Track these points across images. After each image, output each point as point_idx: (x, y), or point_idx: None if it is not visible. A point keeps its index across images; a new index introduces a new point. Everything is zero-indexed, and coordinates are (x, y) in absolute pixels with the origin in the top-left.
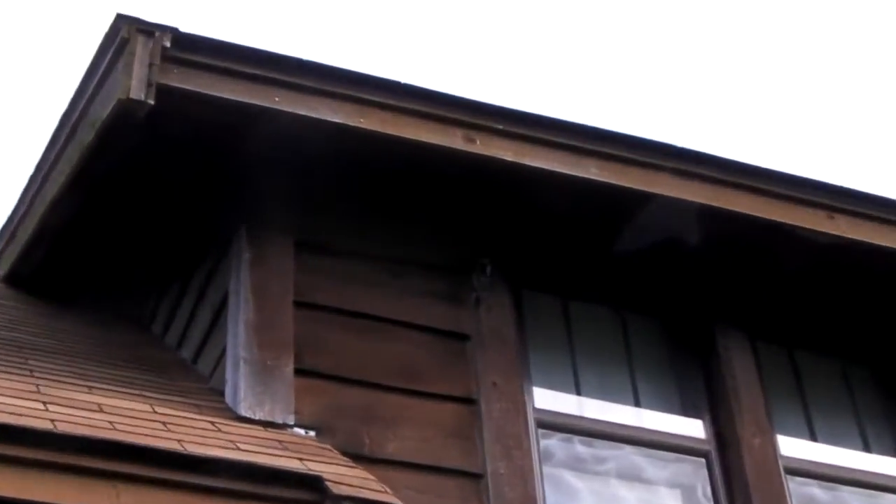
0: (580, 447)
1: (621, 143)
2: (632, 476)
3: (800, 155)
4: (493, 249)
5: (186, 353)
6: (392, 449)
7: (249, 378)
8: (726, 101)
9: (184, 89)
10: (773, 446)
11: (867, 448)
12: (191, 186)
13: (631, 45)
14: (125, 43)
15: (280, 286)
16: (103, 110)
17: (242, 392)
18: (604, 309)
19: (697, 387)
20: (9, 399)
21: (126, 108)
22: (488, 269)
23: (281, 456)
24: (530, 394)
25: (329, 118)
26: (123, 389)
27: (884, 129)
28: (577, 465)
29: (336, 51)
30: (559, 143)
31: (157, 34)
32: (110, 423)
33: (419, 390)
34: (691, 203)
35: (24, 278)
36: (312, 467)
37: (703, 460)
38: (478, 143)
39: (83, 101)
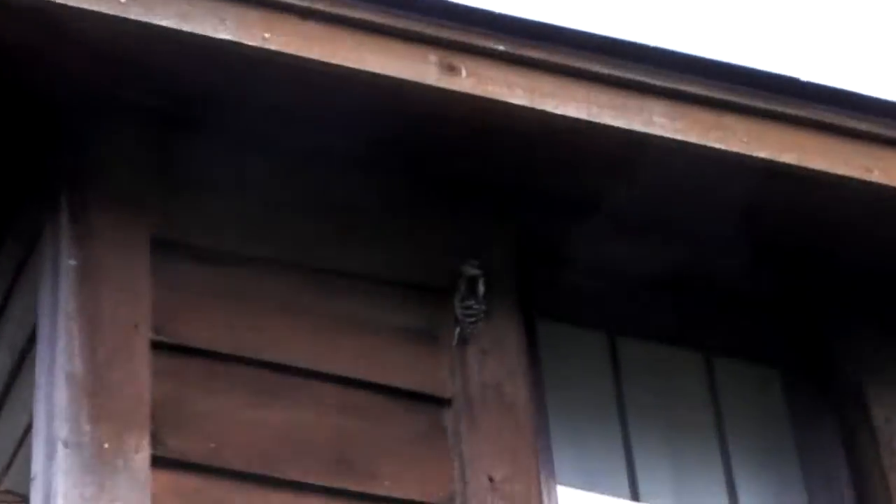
0: None
1: (708, 73)
2: None
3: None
4: (489, 252)
5: None
6: None
7: (74, 471)
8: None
9: None
10: None
11: None
12: None
13: None
14: None
15: (127, 313)
16: None
17: (61, 494)
18: (677, 352)
19: (839, 481)
20: None
21: None
22: (481, 285)
23: None
24: (553, 495)
25: (211, 33)
26: None
27: None
28: None
29: None
30: (599, 73)
31: None
32: None
33: (364, 492)
34: (830, 177)
35: None
36: None
37: None
38: (463, 73)
39: None
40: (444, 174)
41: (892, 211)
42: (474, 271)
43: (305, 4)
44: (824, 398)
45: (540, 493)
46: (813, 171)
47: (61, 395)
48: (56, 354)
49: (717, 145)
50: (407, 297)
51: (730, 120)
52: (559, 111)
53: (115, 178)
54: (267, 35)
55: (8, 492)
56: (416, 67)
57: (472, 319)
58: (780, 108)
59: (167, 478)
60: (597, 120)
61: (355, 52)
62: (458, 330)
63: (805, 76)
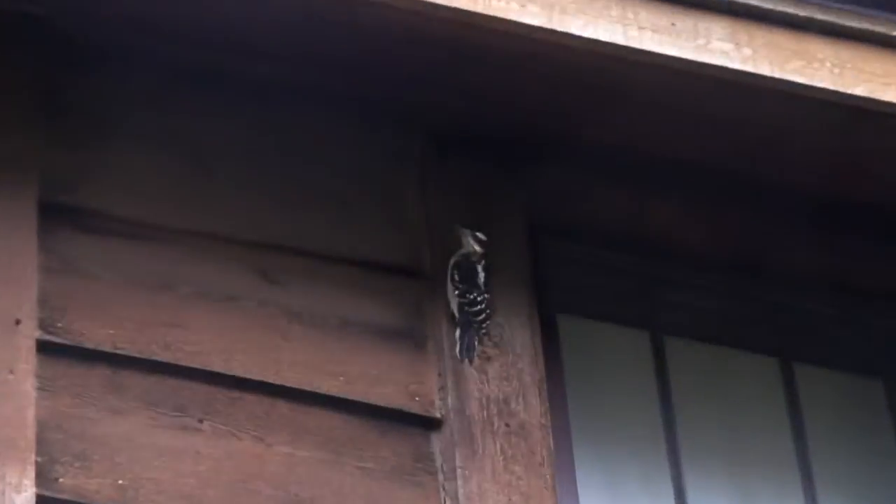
0: None
1: None
2: None
3: None
4: (491, 224)
5: None
6: None
7: None
8: None
9: None
10: None
11: None
12: None
13: None
14: None
15: (5, 305)
16: None
17: None
18: (745, 356)
19: None
20: None
21: None
22: (481, 270)
23: None
24: None
25: None
26: None
27: None
28: None
29: None
30: None
31: None
32: None
33: None
34: None
35: None
36: None
37: None
38: None
39: None
40: (429, 119)
41: None
42: (472, 249)
43: None
44: None
45: None
46: None
47: None
48: None
49: (797, 79)
50: (383, 283)
51: (815, 45)
52: (586, 34)
53: None
54: None
55: None
56: None
57: (468, 311)
58: (881, 30)
59: None
60: (636, 45)
61: None
62: (455, 328)
63: None
